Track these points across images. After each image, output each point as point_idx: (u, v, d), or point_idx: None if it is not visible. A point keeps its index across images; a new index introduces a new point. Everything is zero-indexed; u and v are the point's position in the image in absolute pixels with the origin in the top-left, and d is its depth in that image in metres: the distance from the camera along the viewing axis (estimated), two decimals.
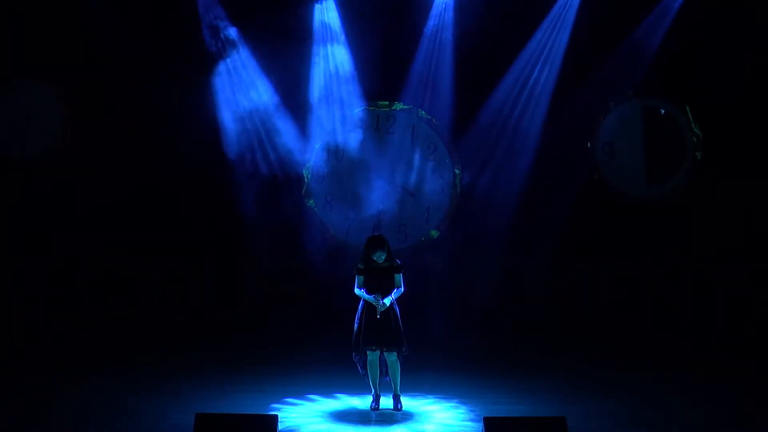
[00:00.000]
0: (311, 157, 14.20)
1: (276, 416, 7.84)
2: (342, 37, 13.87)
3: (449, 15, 13.77)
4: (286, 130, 14.00)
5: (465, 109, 14.04)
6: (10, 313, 13.55)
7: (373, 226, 13.91)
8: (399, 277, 9.44)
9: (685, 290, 14.01)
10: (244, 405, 9.43)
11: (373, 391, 9.55)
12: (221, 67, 13.85)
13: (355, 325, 9.43)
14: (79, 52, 13.67)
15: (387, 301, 9.29)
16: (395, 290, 9.39)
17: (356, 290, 9.43)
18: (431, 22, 13.86)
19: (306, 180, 14.22)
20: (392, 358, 9.40)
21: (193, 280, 14.11)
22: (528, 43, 13.92)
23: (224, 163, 13.92)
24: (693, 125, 14.19)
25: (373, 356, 9.40)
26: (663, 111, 14.26)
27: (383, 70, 13.86)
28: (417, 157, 14.23)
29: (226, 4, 13.74)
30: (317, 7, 13.79)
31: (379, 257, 9.37)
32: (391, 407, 9.49)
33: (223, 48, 13.80)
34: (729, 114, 13.82)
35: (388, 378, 9.52)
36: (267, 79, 13.90)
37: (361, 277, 9.42)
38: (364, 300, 9.40)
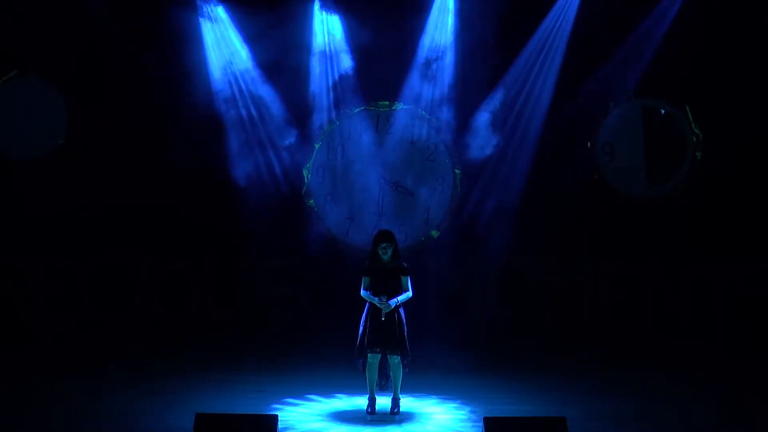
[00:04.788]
0: (311, 157, 14.20)
1: (276, 416, 7.84)
2: (342, 37, 13.88)
3: (449, 14, 13.77)
4: (286, 130, 14.01)
5: (465, 109, 14.03)
6: (10, 313, 13.56)
7: (372, 226, 13.91)
8: (406, 280, 9.35)
9: (685, 290, 14.02)
10: (244, 405, 9.43)
11: (368, 394, 9.47)
12: (223, 67, 13.86)
13: (360, 328, 9.37)
14: (78, 51, 13.68)
15: (392, 303, 9.24)
16: (402, 293, 9.33)
17: (362, 292, 9.37)
18: (432, 21, 13.86)
19: (306, 180, 14.22)
20: (395, 360, 9.35)
21: (193, 280, 14.11)
22: (528, 42, 13.92)
23: (224, 163, 13.91)
24: (693, 125, 14.19)
25: (373, 359, 9.33)
26: (663, 111, 14.26)
27: (383, 69, 13.86)
28: (417, 157, 14.23)
29: (224, 4, 13.78)
30: (317, 6, 13.80)
31: (385, 251, 9.29)
32: (389, 409, 9.44)
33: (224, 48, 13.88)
34: (729, 114, 13.82)
35: (386, 381, 9.47)
36: (268, 79, 13.90)
37: (367, 279, 9.34)
38: (369, 302, 9.36)
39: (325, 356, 11.93)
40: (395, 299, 9.24)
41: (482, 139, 14.07)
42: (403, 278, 9.35)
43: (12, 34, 13.59)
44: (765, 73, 13.70)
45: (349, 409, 9.66)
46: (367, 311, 9.34)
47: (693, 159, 14.20)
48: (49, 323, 13.51)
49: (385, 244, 9.30)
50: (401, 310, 9.36)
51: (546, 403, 9.84)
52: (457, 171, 14.22)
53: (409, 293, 9.35)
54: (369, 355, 9.30)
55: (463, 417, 9.33)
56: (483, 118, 14.04)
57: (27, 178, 13.85)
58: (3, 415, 9.05)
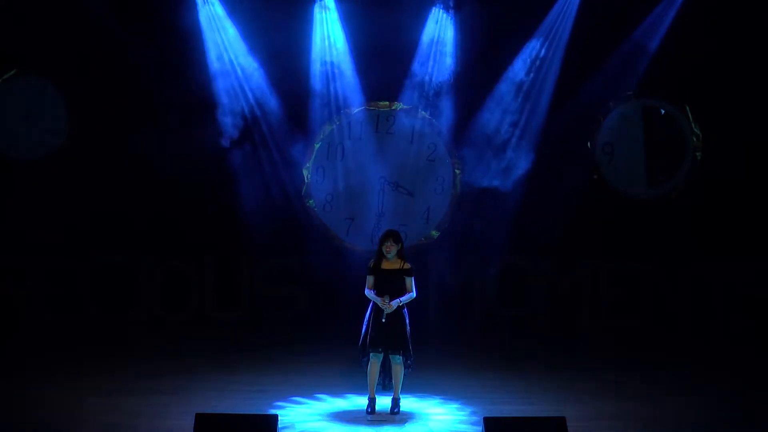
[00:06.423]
0: (311, 157, 14.21)
1: (276, 416, 7.83)
2: (342, 37, 13.88)
3: (450, 14, 13.77)
4: (286, 130, 14.01)
5: (465, 110, 14.04)
6: (10, 312, 13.56)
7: (372, 226, 13.92)
8: (410, 281, 9.32)
9: (685, 290, 14.03)
10: (244, 405, 9.43)
11: (369, 394, 9.44)
12: (223, 66, 13.87)
13: (363, 327, 9.36)
14: (78, 51, 13.69)
15: (394, 303, 9.22)
16: (406, 294, 9.31)
17: (366, 291, 9.36)
18: (432, 21, 13.87)
19: (306, 180, 14.23)
20: (397, 361, 9.33)
21: (193, 280, 14.12)
22: (528, 43, 13.93)
23: (225, 163, 13.93)
24: (693, 125, 14.19)
25: (375, 359, 9.32)
26: (663, 111, 14.26)
27: (383, 69, 13.87)
28: (417, 157, 14.23)
29: (224, 4, 13.79)
30: (317, 6, 13.80)
31: (389, 250, 9.29)
32: (389, 409, 9.43)
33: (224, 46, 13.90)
34: (729, 114, 13.83)
35: (388, 381, 9.45)
36: (268, 78, 13.91)
37: (372, 278, 9.33)
38: (372, 301, 9.34)
39: (325, 356, 11.92)
40: (398, 300, 9.23)
41: (482, 140, 14.08)
42: (407, 279, 9.33)
43: (12, 34, 13.59)
44: (765, 73, 13.71)
45: (348, 408, 9.65)
46: (371, 310, 9.34)
47: (693, 159, 14.21)
48: (49, 323, 13.51)
49: (389, 243, 9.31)
50: (404, 311, 9.34)
51: (546, 403, 9.83)
52: (457, 171, 14.23)
53: (413, 294, 9.34)
54: (371, 354, 9.29)
55: (462, 416, 9.33)
56: (483, 118, 14.05)
57: (27, 178, 13.86)
58: (2, 414, 9.04)
